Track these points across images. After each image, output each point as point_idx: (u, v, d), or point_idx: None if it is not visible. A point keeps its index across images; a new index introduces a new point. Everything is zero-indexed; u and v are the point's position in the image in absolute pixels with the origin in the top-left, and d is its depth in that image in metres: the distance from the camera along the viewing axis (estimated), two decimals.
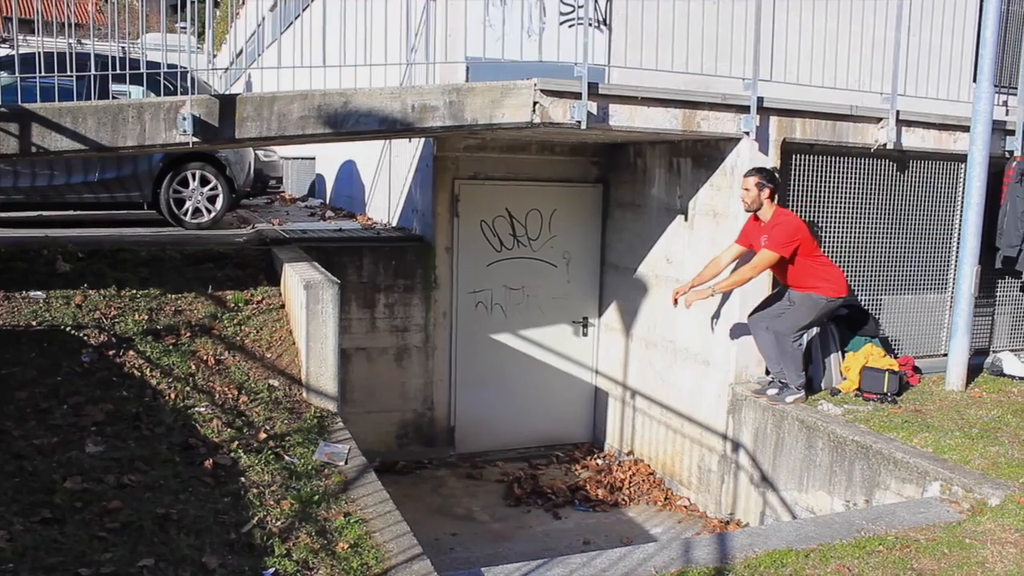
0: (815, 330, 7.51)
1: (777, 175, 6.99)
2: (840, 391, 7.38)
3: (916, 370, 7.92)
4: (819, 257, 7.07)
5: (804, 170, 7.80)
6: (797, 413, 6.93)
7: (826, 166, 7.88)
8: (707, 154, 7.87)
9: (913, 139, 7.97)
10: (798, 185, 7.78)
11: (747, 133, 7.28)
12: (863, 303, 8.17)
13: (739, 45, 7.19)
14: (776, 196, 6.93)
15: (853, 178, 8.01)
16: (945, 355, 8.00)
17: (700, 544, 4.94)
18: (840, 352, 7.60)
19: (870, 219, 8.17)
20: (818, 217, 7.91)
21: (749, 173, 6.93)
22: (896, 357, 7.91)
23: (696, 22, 7.11)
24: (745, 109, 7.23)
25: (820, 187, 7.88)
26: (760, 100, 7.23)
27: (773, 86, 7.38)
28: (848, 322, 7.76)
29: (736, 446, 7.58)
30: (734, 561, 4.68)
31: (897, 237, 8.34)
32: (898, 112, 7.73)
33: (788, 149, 7.61)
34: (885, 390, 7.22)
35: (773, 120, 7.44)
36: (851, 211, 8.05)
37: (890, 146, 7.78)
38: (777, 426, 7.09)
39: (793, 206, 7.73)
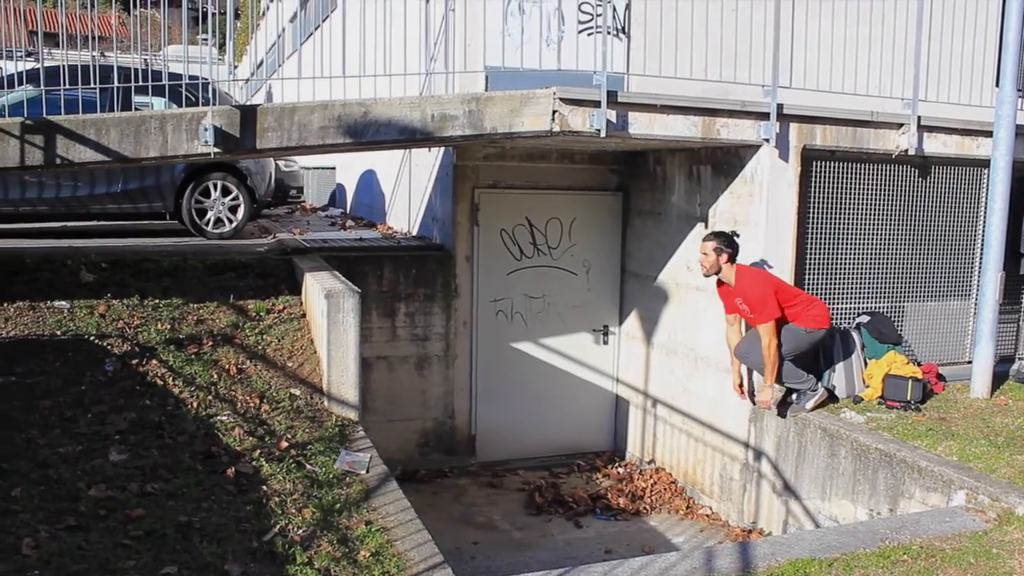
0: (837, 336, 7.48)
1: (736, 239, 6.96)
2: (863, 399, 7.33)
3: (940, 377, 7.86)
4: (799, 298, 7.01)
5: (825, 177, 7.76)
6: (820, 421, 6.89)
7: (847, 173, 7.83)
8: (727, 161, 7.85)
9: (935, 145, 7.92)
10: (818, 192, 7.74)
11: (767, 140, 7.26)
12: (885, 311, 8.12)
13: (758, 52, 7.19)
14: (735, 259, 6.90)
15: (874, 185, 7.97)
16: (969, 362, 7.92)
17: (722, 553, 4.92)
18: (863, 360, 7.55)
19: (892, 226, 8.11)
20: (839, 224, 7.86)
21: (707, 238, 6.96)
22: (919, 365, 7.85)
23: (715, 29, 7.12)
24: (765, 116, 7.21)
25: (841, 194, 7.84)
26: (780, 107, 7.21)
27: (793, 92, 7.36)
28: (870, 330, 7.71)
29: (758, 454, 7.53)
30: (757, 570, 4.65)
31: (919, 243, 8.28)
32: (919, 118, 7.68)
33: (808, 156, 7.58)
34: (909, 398, 7.17)
35: (793, 127, 7.41)
36: (872, 218, 8.01)
37: (912, 152, 7.73)
38: (799, 434, 7.05)
39: (813, 214, 7.71)
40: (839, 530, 5.49)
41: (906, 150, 7.71)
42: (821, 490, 6.84)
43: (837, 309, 7.97)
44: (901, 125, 7.71)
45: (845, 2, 7.57)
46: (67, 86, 6.28)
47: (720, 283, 7.08)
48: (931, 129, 7.84)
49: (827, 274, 7.89)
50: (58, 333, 6.48)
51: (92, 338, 6.47)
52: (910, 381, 7.20)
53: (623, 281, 9.72)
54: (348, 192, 14.67)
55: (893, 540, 5.05)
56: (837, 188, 7.82)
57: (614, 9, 8.51)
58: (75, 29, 7.33)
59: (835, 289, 7.95)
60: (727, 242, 6.88)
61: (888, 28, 7.99)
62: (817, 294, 7.85)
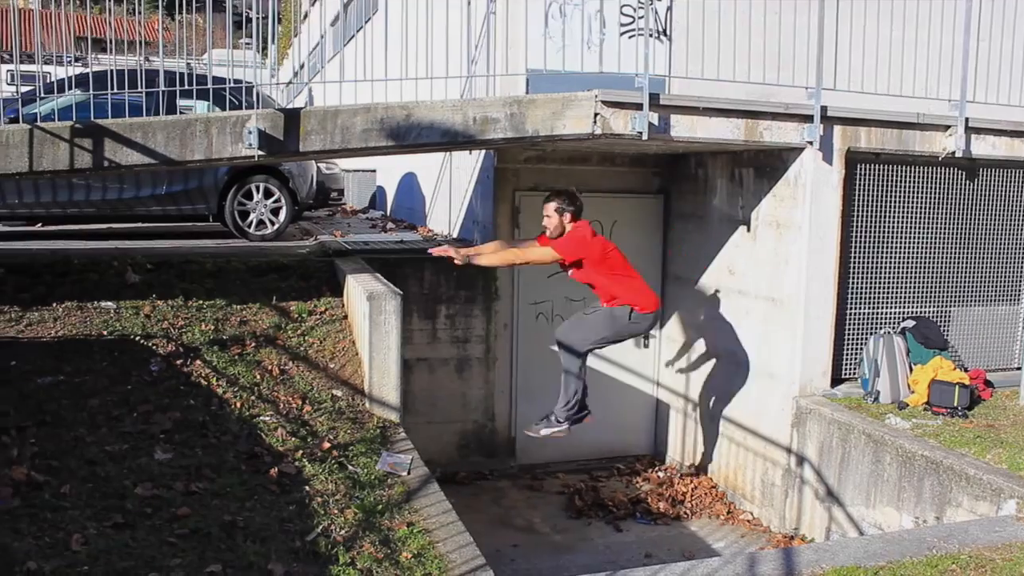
0: (882, 341, 7.37)
1: (579, 197, 6.42)
2: (907, 404, 7.22)
3: (988, 384, 7.72)
4: (636, 274, 6.49)
5: (869, 180, 7.66)
6: (864, 427, 6.80)
7: (892, 176, 7.73)
8: (770, 164, 7.78)
9: (983, 147, 7.79)
10: (863, 195, 7.64)
11: (811, 143, 7.18)
12: (931, 315, 7.99)
13: (801, 54, 7.10)
14: (579, 217, 6.37)
15: (920, 188, 7.85)
16: (1018, 368, 7.79)
17: (765, 559, 4.87)
18: (908, 365, 7.44)
19: (938, 229, 7.99)
20: (884, 227, 7.76)
21: (547, 199, 6.39)
22: (966, 370, 7.72)
23: (757, 31, 7.05)
24: (808, 118, 7.14)
25: (886, 197, 7.74)
26: (824, 109, 7.13)
27: (837, 95, 7.27)
28: (915, 334, 7.60)
29: (801, 460, 7.45)
30: None
31: (966, 247, 8.14)
32: (967, 119, 7.55)
33: (852, 159, 7.49)
34: (955, 404, 7.05)
35: (837, 129, 7.33)
36: (918, 221, 7.89)
37: (959, 154, 7.61)
38: (843, 440, 6.96)
39: (857, 217, 7.62)
40: (884, 538, 5.41)
41: (953, 152, 7.59)
42: (865, 497, 6.75)
43: (882, 313, 7.88)
44: (948, 127, 7.59)
45: (891, 2, 7.46)
46: (114, 90, 6.37)
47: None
48: (979, 131, 7.71)
49: (871, 278, 7.80)
50: (105, 333, 6.58)
51: (138, 338, 6.56)
52: (957, 387, 7.09)
53: (664, 284, 9.67)
54: (389, 194, 14.74)
55: (941, 549, 4.97)
56: (882, 191, 7.73)
57: (656, 11, 8.47)
58: (122, 34, 7.43)
59: (880, 293, 7.85)
60: (569, 200, 6.32)
61: (935, 29, 7.85)
62: (861, 298, 7.78)
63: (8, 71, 17.32)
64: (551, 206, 6.33)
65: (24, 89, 7.42)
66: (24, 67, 7.70)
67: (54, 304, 6.79)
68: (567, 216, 6.32)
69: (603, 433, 9.59)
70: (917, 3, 7.53)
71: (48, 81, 7.50)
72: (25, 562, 3.92)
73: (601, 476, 9.21)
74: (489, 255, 6.43)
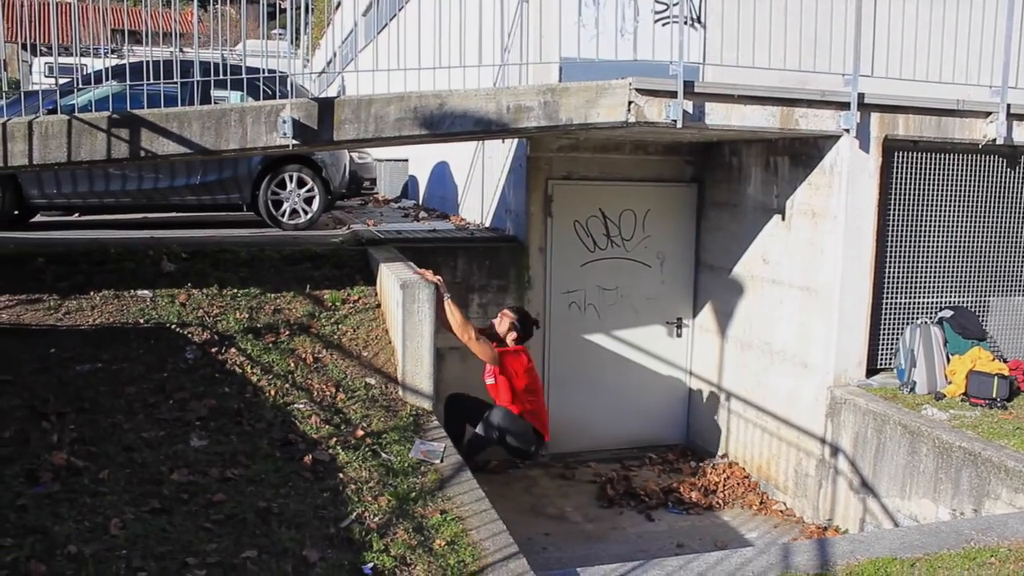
0: (919, 331, 7.28)
1: (534, 326, 7.30)
2: (944, 395, 7.14)
3: None
4: (541, 398, 7.35)
5: (907, 168, 7.56)
6: (900, 418, 6.72)
7: (930, 163, 7.62)
8: (805, 152, 7.70)
9: None
10: (900, 184, 7.55)
11: (847, 130, 7.10)
12: (969, 305, 7.88)
13: (838, 40, 7.02)
14: (521, 342, 7.16)
15: (959, 175, 7.73)
16: None
17: (800, 550, 4.83)
18: (945, 355, 7.35)
19: (978, 218, 7.87)
20: (922, 216, 7.66)
21: (509, 310, 7.24)
22: (1005, 361, 7.61)
23: (793, 17, 6.98)
24: (845, 106, 7.05)
25: (924, 185, 7.63)
26: (861, 96, 7.04)
27: (874, 81, 7.17)
28: (953, 324, 7.50)
29: (835, 450, 7.39)
30: (835, 568, 4.56)
31: (1007, 236, 8.01)
32: (1009, 105, 7.42)
33: (890, 146, 7.39)
34: (994, 395, 6.95)
35: (874, 116, 7.23)
36: (957, 210, 7.77)
37: (1000, 141, 7.48)
38: (878, 431, 6.89)
39: (895, 206, 7.52)
40: (921, 529, 5.35)
41: (994, 139, 7.46)
42: (900, 488, 6.68)
43: (919, 303, 7.78)
44: (989, 114, 7.46)
45: None
46: (149, 81, 6.42)
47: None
48: (1021, 118, 7.57)
49: (908, 267, 7.70)
50: (141, 321, 6.65)
51: (173, 326, 6.63)
52: (996, 378, 6.99)
53: (697, 273, 9.62)
54: (421, 184, 14.77)
55: (979, 541, 4.91)
56: (920, 179, 7.62)
57: None
58: (157, 26, 7.49)
59: (917, 282, 7.76)
60: (522, 324, 7.15)
61: (976, 13, 7.73)
62: (898, 288, 7.68)
63: (47, 63, 17.56)
64: (509, 319, 7.14)
65: (62, 81, 7.51)
66: (62, 60, 7.78)
67: (92, 292, 6.87)
68: (513, 335, 7.12)
69: (635, 422, 9.60)
70: None
71: (85, 73, 7.58)
72: (66, 545, 3.98)
73: (633, 465, 9.19)
74: (455, 311, 6.75)
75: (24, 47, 16.56)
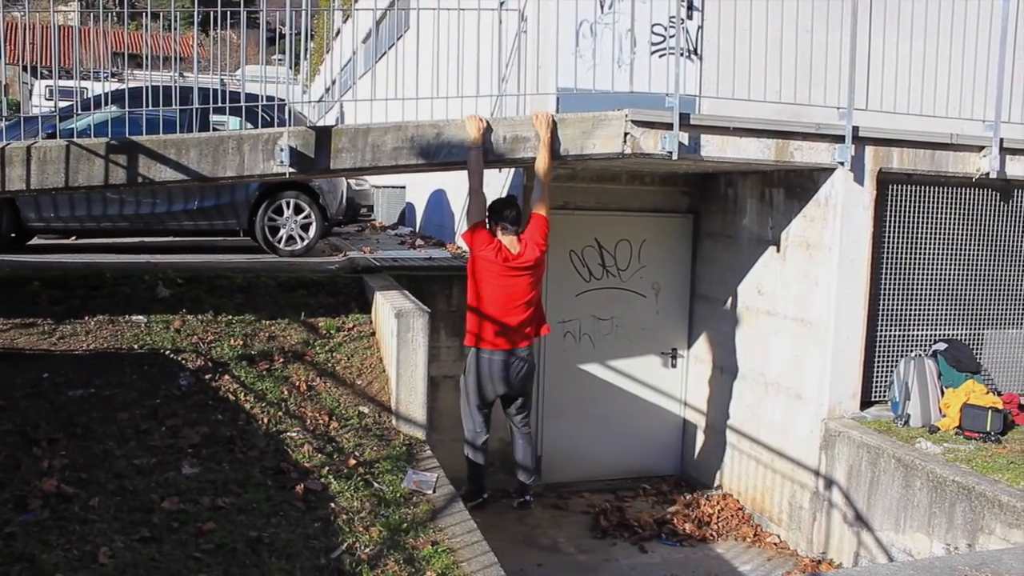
0: (913, 364, 7.28)
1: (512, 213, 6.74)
2: (939, 428, 7.13)
3: (1022, 408, 7.60)
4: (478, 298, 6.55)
5: (901, 201, 7.61)
6: (894, 451, 6.71)
7: (924, 196, 7.67)
8: (800, 184, 7.74)
9: (1019, 168, 7.69)
10: (895, 217, 7.59)
11: (842, 163, 7.14)
12: (963, 338, 7.90)
13: (833, 73, 7.08)
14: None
15: (953, 209, 7.78)
16: None
17: None
18: (939, 388, 7.35)
19: (971, 251, 7.90)
20: (916, 249, 7.69)
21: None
22: (999, 394, 7.61)
23: (789, 50, 7.02)
24: (840, 139, 7.10)
25: (918, 218, 7.68)
26: (855, 129, 7.09)
27: (868, 115, 7.23)
28: (947, 357, 7.51)
29: (829, 483, 7.37)
30: None
31: (1001, 269, 8.05)
32: (1002, 140, 7.48)
33: (884, 179, 7.43)
34: (988, 429, 6.95)
35: (869, 150, 7.28)
36: (951, 243, 7.81)
37: (993, 175, 7.52)
38: (872, 464, 6.88)
39: (889, 238, 7.56)
40: (915, 564, 5.33)
41: (987, 173, 7.51)
42: (895, 522, 6.66)
43: (913, 335, 7.79)
44: (982, 147, 7.52)
45: (924, 21, 7.40)
46: (149, 107, 6.46)
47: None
48: (1014, 151, 7.63)
49: (903, 300, 7.72)
50: (135, 347, 6.64)
51: (167, 352, 6.62)
52: (990, 411, 6.99)
53: (692, 304, 9.63)
54: (418, 211, 14.80)
55: None
56: (914, 212, 7.66)
57: (687, 31, 8.46)
58: (158, 50, 7.54)
59: (911, 315, 7.78)
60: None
61: (969, 48, 7.78)
62: (892, 320, 7.70)
63: (46, 86, 17.63)
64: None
65: (62, 105, 7.54)
66: (62, 83, 7.82)
67: (86, 317, 6.86)
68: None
69: (629, 453, 9.57)
70: (951, 21, 7.45)
71: (85, 97, 7.62)
72: (53, 574, 3.95)
73: (627, 496, 9.15)
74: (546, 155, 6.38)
75: (25, 69, 16.64)
